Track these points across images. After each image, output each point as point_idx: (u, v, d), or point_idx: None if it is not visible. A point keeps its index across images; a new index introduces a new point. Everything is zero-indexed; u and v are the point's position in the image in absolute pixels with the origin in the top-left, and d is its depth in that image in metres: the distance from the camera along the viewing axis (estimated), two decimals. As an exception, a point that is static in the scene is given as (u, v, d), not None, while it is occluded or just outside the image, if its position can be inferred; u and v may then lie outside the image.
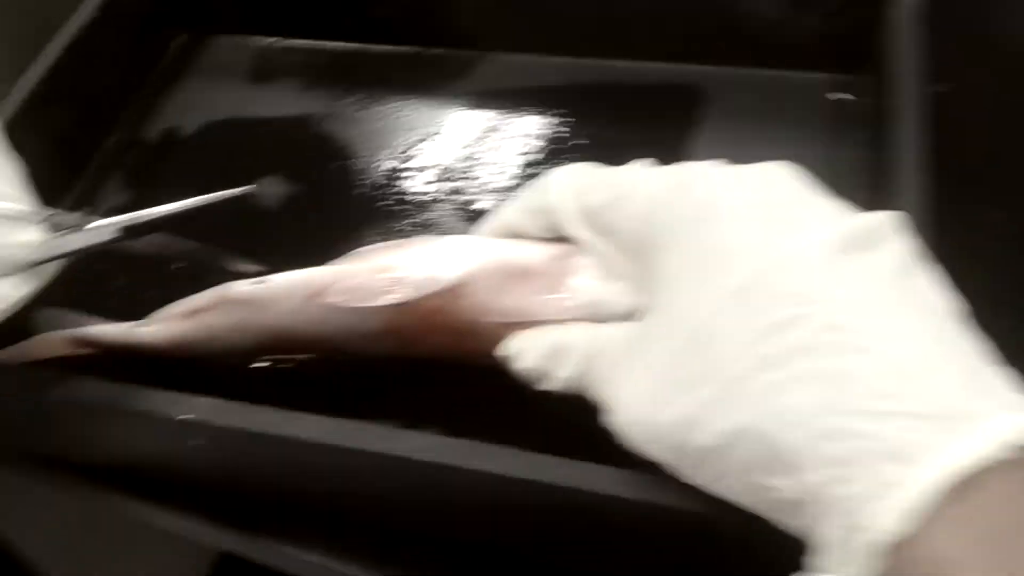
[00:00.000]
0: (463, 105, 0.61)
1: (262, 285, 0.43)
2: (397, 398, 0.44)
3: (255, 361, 0.47)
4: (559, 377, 0.37)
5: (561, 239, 0.40)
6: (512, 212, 0.42)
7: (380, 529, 0.43)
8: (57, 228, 0.40)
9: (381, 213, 0.55)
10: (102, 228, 0.40)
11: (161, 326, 0.45)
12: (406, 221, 0.54)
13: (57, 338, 0.48)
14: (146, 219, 0.41)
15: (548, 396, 0.39)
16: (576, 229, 0.38)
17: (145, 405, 0.40)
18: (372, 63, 0.65)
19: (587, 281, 0.39)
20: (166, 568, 0.97)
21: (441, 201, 0.55)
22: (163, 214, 0.41)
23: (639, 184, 0.36)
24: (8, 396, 0.43)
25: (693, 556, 0.36)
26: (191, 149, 0.61)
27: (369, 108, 0.62)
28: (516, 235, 0.42)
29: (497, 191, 0.55)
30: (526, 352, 0.39)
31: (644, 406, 0.32)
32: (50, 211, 0.41)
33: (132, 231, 0.40)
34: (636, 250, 0.36)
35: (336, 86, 0.63)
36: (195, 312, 0.45)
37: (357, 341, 0.43)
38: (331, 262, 0.43)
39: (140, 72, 0.64)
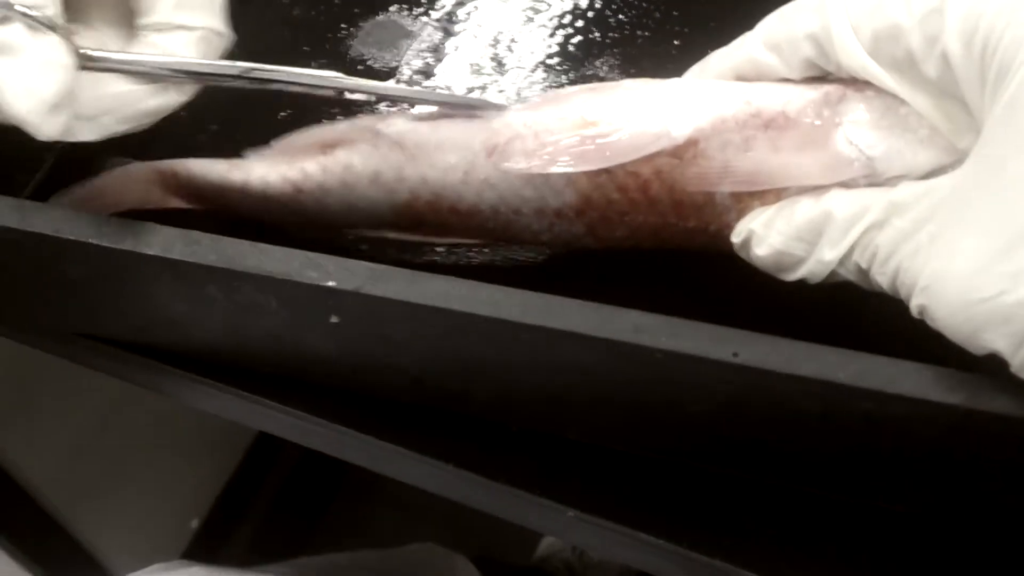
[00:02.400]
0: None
1: (430, 122, 0.34)
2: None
3: (391, 233, 0.37)
4: (823, 260, 0.30)
5: (820, 79, 0.32)
6: (752, 45, 0.32)
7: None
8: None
9: (524, 69, 0.45)
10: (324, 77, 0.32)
11: (283, 163, 0.36)
12: (561, 78, 0.45)
13: (141, 172, 0.38)
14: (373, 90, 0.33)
15: (801, 287, 0.31)
16: (863, 60, 0.29)
17: (272, 267, 0.31)
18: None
19: (868, 131, 0.30)
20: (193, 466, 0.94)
21: (597, 55, 0.45)
22: (385, 91, 0.34)
23: None
24: (72, 247, 0.33)
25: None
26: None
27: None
28: (757, 76, 0.33)
29: (662, 45, 0.45)
30: (772, 231, 0.30)
31: (988, 280, 0.25)
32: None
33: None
34: (952, 82, 0.28)
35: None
36: (331, 145, 0.35)
37: (532, 221, 0.34)
38: (515, 107, 0.34)
39: None
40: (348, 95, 0.33)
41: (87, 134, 0.31)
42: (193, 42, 0.31)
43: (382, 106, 0.43)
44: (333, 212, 0.36)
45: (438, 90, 0.45)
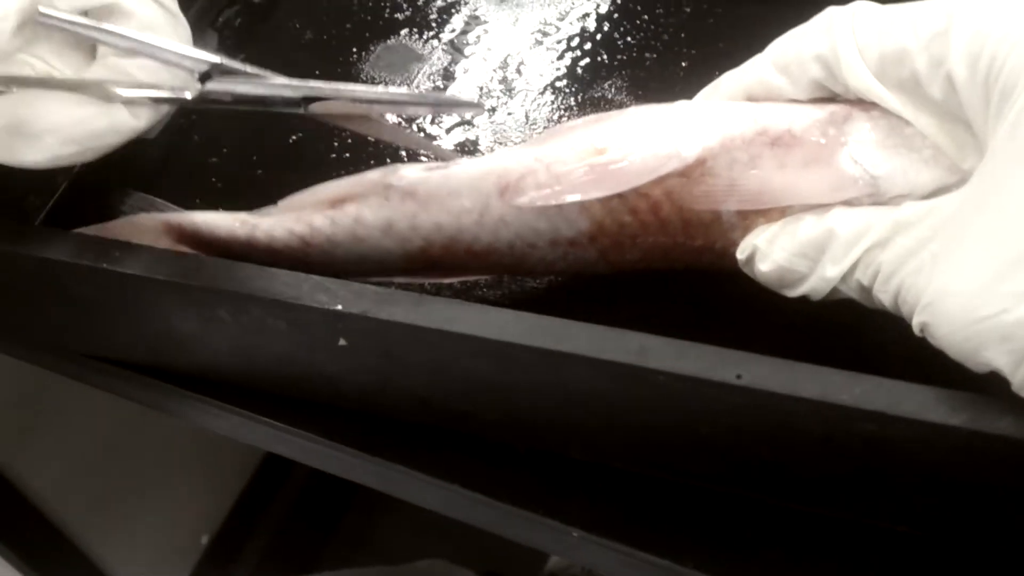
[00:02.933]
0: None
1: (441, 171, 0.34)
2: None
3: (401, 278, 0.37)
4: (825, 277, 0.30)
5: (829, 100, 0.32)
6: (762, 66, 0.33)
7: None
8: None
9: (533, 91, 0.46)
10: (281, 87, 0.33)
11: (290, 217, 0.36)
12: (570, 100, 0.45)
13: (149, 223, 0.38)
14: (339, 94, 0.33)
15: (804, 304, 0.31)
16: (869, 82, 0.30)
17: (281, 290, 0.32)
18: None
19: (873, 151, 0.30)
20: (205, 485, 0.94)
21: (605, 77, 0.46)
22: (363, 95, 0.33)
23: (967, 16, 0.27)
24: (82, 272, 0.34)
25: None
26: (297, 12, 0.52)
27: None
28: (767, 97, 0.33)
29: (669, 67, 0.46)
30: (776, 247, 0.31)
31: (990, 299, 0.25)
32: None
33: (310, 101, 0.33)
34: (956, 105, 0.28)
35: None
36: (340, 201, 0.35)
37: (547, 252, 0.34)
38: (520, 145, 0.34)
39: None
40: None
41: (30, 155, 0.29)
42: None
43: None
44: (342, 262, 0.36)
45: (441, 112, 0.45)
